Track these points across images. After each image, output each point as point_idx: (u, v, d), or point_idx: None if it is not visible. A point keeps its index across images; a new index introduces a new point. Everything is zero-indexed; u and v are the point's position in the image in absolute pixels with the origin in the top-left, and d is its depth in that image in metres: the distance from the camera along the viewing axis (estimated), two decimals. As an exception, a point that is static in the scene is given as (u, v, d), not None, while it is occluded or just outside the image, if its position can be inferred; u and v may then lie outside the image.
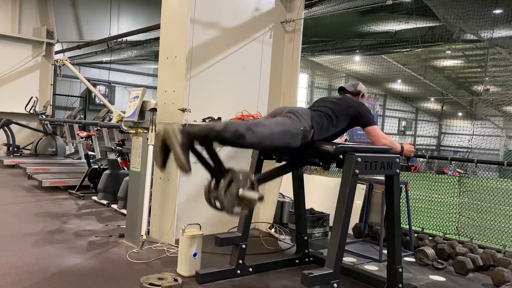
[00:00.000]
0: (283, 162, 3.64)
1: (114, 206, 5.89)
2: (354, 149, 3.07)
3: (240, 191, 2.52)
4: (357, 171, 2.96)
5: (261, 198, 2.59)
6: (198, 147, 2.65)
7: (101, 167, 6.84)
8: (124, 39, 10.90)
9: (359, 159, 2.96)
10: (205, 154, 2.69)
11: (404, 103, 26.78)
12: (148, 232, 4.53)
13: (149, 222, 4.58)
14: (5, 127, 10.35)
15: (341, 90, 3.75)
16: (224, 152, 4.93)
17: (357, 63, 20.04)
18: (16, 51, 11.02)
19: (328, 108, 3.33)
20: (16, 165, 9.18)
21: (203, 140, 2.63)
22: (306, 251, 4.10)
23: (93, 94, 15.23)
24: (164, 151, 2.54)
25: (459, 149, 19.67)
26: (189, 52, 4.47)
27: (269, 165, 3.64)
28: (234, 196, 2.52)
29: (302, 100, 21.29)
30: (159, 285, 3.24)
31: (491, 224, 5.59)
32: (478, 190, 6.36)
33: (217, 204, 2.61)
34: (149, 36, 10.81)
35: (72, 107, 13.66)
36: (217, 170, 2.68)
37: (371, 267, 4.18)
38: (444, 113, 25.87)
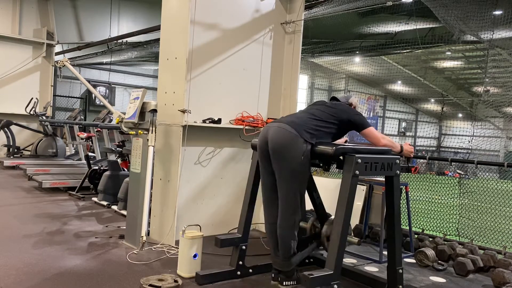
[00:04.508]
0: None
1: (114, 207, 5.89)
2: (354, 150, 3.07)
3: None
4: (357, 172, 2.96)
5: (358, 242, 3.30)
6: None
7: (101, 168, 6.84)
8: (124, 40, 10.90)
9: (359, 160, 2.97)
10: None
11: (404, 104, 26.78)
12: (148, 233, 4.53)
13: (149, 223, 4.58)
14: (6, 128, 10.36)
15: (333, 100, 3.77)
16: (226, 153, 4.95)
17: (357, 64, 20.05)
18: (16, 52, 11.04)
19: (319, 111, 3.41)
20: (16, 166, 9.20)
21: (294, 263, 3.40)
22: (306, 252, 4.09)
23: (93, 95, 15.22)
24: None
25: (459, 150, 19.65)
26: (189, 53, 4.47)
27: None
28: None
29: (302, 101, 21.29)
30: (159, 286, 3.24)
31: (491, 225, 5.58)
32: (478, 191, 6.35)
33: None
34: (149, 37, 10.81)
35: (72, 108, 13.67)
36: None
37: (371, 268, 4.17)
38: (444, 114, 25.87)
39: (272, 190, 3.37)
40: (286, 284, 3.36)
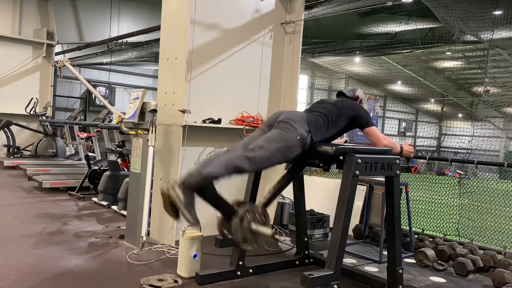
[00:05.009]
0: (284, 172, 3.69)
1: (114, 207, 5.89)
2: (354, 150, 3.07)
3: (253, 226, 2.73)
4: (357, 172, 2.96)
5: (273, 235, 2.76)
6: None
7: (101, 168, 6.84)
8: (124, 40, 10.90)
9: (359, 160, 2.97)
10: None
11: (404, 104, 26.77)
12: (148, 233, 4.53)
13: (149, 223, 4.57)
14: (6, 128, 10.36)
15: (340, 94, 3.79)
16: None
17: (357, 64, 20.05)
18: (16, 53, 11.04)
19: (326, 109, 3.38)
20: (16, 166, 9.20)
21: (204, 190, 2.70)
22: (306, 252, 4.09)
23: (93, 95, 15.22)
24: (171, 207, 2.62)
25: (459, 150, 19.65)
26: (189, 54, 4.47)
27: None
28: (247, 231, 2.70)
29: (302, 101, 21.27)
30: (159, 286, 3.24)
31: (491, 226, 5.58)
32: (478, 191, 6.35)
33: (229, 236, 2.79)
34: (149, 38, 10.81)
35: (72, 108, 13.68)
36: (226, 208, 2.80)
37: (371, 268, 4.18)
38: (444, 114, 25.87)
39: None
40: (178, 196, 2.55)
